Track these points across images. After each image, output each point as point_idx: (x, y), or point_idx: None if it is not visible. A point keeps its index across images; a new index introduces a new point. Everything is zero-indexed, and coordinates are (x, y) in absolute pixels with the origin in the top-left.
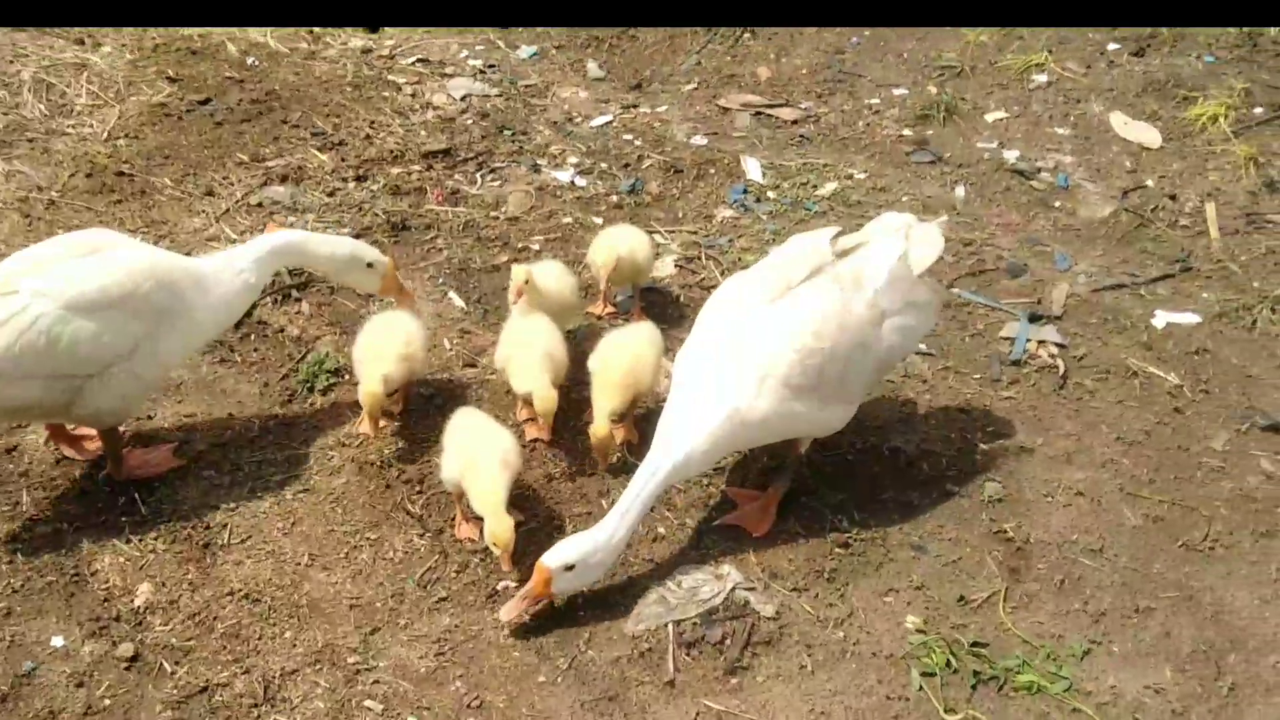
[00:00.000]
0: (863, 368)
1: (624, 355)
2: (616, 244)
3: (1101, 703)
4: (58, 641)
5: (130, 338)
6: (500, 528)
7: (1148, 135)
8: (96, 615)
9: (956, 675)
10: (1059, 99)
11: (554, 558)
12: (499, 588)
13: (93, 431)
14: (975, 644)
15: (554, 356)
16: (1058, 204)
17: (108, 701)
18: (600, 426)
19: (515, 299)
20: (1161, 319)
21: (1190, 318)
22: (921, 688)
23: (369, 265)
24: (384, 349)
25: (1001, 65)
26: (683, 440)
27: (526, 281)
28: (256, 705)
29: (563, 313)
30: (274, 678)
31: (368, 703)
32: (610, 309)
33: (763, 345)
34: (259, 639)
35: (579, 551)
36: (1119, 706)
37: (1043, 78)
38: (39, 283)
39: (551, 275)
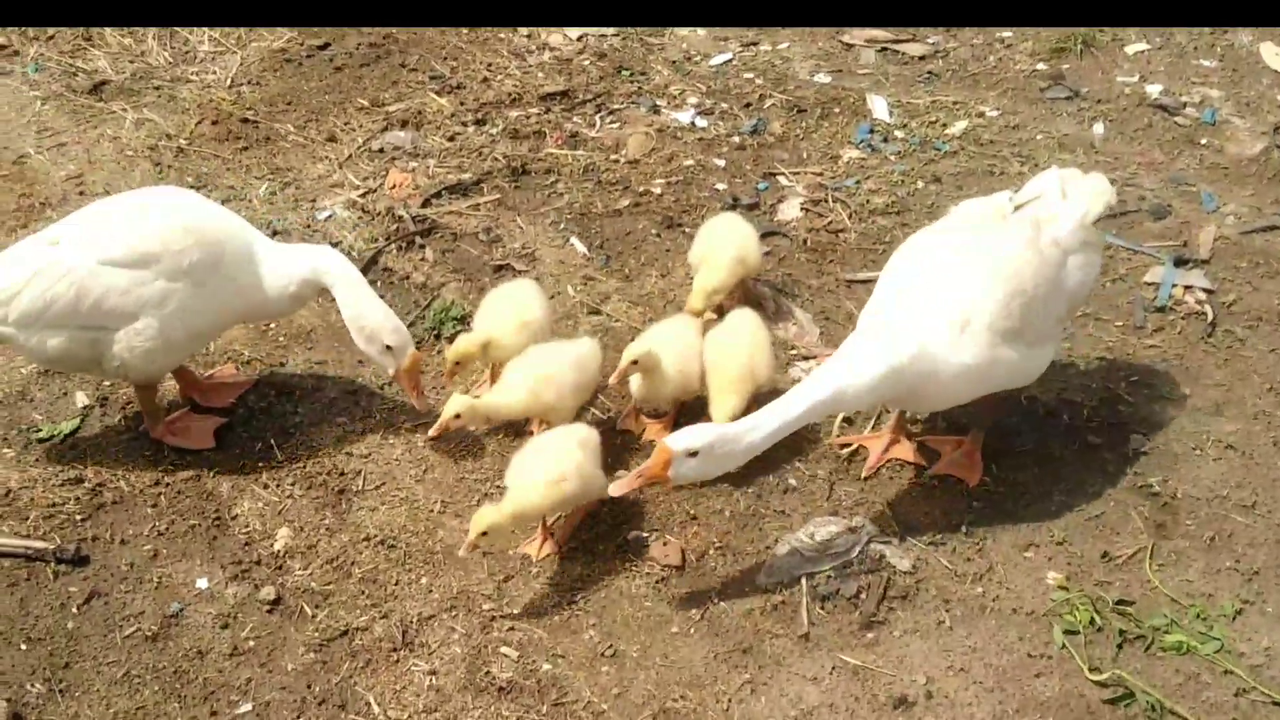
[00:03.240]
0: (1057, 306)
1: (738, 352)
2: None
3: (1255, 664)
4: (202, 584)
5: (158, 294)
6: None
7: None
8: (238, 559)
9: (1101, 634)
10: (1204, 29)
11: (679, 441)
12: (629, 537)
13: (225, 379)
14: (1121, 602)
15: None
16: (1204, 141)
17: (252, 643)
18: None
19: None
20: None
21: None
22: (1064, 646)
23: (387, 348)
24: (502, 317)
25: None
26: (860, 365)
27: (635, 361)
28: (396, 649)
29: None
30: (412, 623)
31: (504, 649)
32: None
33: (962, 292)
34: (396, 584)
35: (706, 439)
36: (1274, 668)
37: None
38: (79, 235)
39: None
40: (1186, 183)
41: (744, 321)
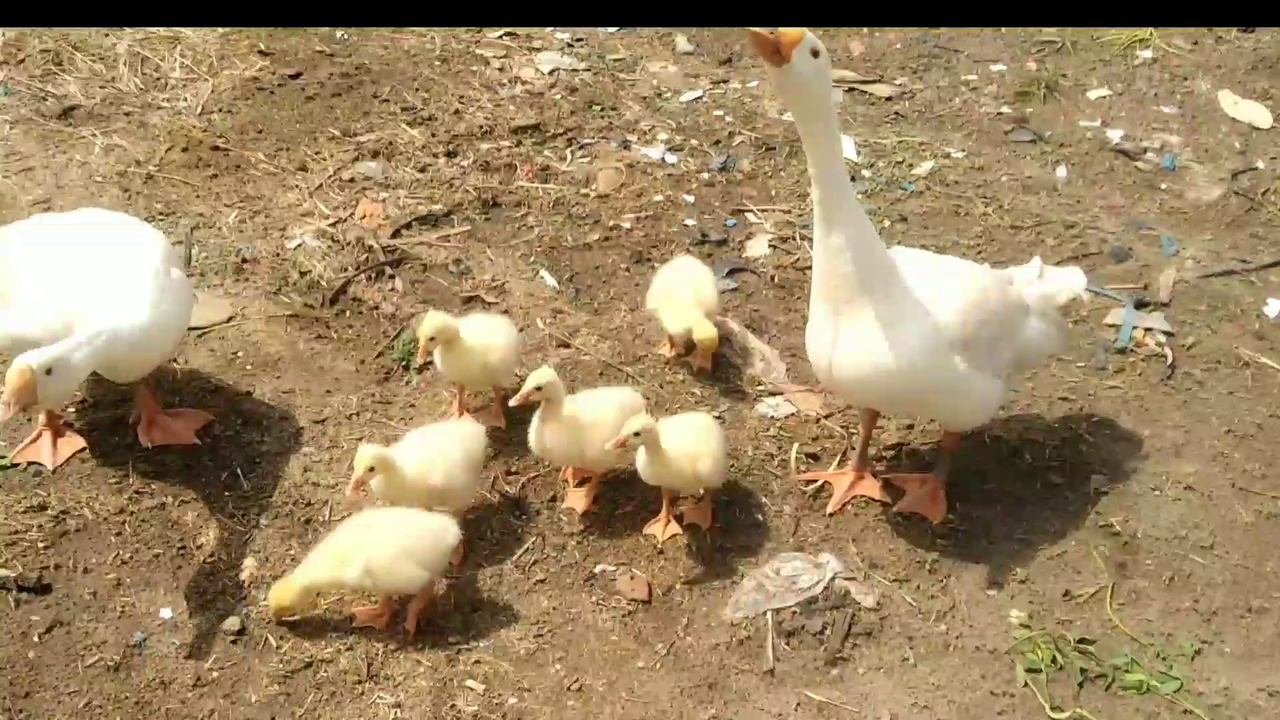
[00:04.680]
0: (1009, 345)
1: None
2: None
3: (1214, 704)
4: (166, 613)
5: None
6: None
7: (1258, 115)
8: (203, 589)
9: (1063, 672)
10: (1165, 76)
11: (812, 35)
12: (596, 571)
13: (185, 415)
14: (1082, 640)
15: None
16: (1164, 186)
17: (216, 674)
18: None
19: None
20: (1274, 307)
21: None
22: (1027, 684)
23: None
24: (466, 332)
25: (1104, 41)
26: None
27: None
28: (361, 682)
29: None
30: (377, 655)
31: (469, 682)
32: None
33: (928, 289)
34: None
35: (824, 50)
36: (1231, 708)
37: (1147, 54)
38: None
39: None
40: (1147, 226)
41: (697, 421)
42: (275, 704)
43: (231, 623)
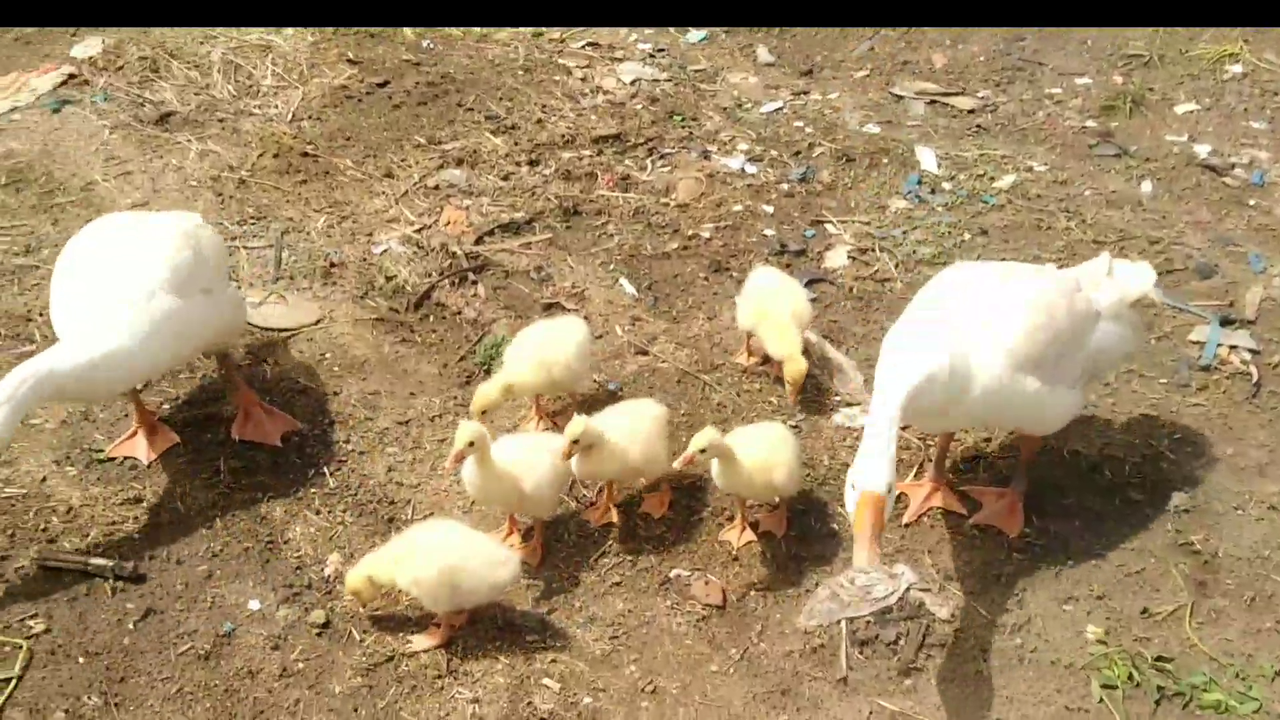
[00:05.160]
0: (1078, 357)
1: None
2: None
3: None
4: (254, 605)
5: None
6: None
7: None
8: (290, 582)
9: (1139, 689)
10: (1255, 91)
11: (874, 480)
12: (671, 575)
13: (275, 414)
14: (1159, 658)
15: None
16: (1252, 202)
17: (301, 665)
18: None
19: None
20: None
21: None
22: (1102, 700)
23: None
24: (525, 355)
25: (1193, 55)
26: (900, 382)
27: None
28: (440, 676)
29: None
30: (456, 651)
31: (545, 681)
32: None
33: (993, 313)
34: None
35: (885, 478)
36: None
37: (1237, 68)
38: None
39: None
40: (1234, 243)
41: (771, 431)
42: (358, 695)
43: (317, 615)
